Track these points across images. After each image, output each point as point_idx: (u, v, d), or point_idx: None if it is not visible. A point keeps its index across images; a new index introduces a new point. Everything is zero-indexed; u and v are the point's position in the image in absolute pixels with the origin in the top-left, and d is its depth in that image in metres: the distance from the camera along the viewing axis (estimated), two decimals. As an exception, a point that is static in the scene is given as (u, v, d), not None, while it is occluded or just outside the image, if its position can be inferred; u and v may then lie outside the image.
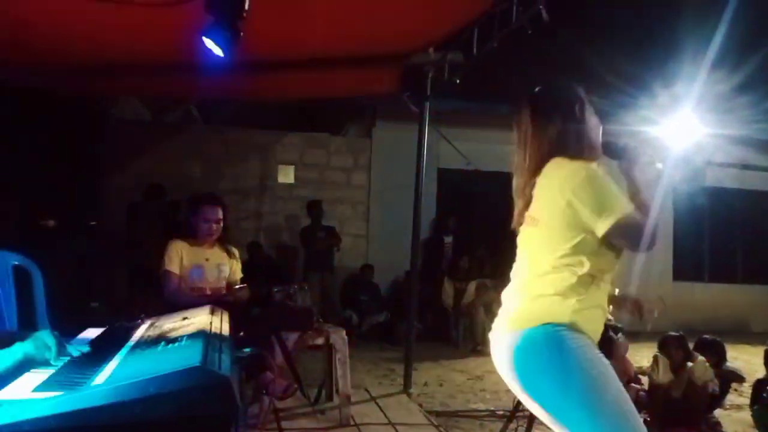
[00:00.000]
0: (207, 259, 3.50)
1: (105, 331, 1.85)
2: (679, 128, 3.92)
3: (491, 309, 7.08)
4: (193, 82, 5.01)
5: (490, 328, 1.86)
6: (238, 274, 3.65)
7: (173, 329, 1.74)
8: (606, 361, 1.71)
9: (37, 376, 1.34)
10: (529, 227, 1.83)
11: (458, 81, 4.26)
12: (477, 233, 8.37)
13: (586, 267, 1.70)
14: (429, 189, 7.12)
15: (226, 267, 3.58)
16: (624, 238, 1.70)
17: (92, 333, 1.86)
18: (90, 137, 6.83)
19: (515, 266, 1.89)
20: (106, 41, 3.82)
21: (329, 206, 7.58)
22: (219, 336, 1.61)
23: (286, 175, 7.99)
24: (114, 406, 1.15)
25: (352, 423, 3.72)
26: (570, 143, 1.78)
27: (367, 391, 4.51)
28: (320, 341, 3.84)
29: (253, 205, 7.82)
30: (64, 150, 6.19)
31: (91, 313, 5.62)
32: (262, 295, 3.75)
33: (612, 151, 1.86)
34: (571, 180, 1.71)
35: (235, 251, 3.70)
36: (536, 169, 1.80)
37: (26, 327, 3.26)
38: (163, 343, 1.54)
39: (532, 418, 3.31)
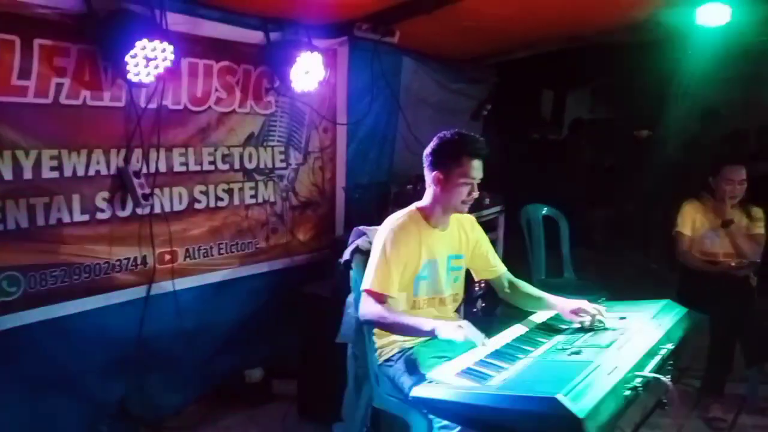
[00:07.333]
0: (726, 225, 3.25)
1: (549, 318, 2.15)
2: None
3: None
4: None
5: None
6: (758, 233, 3.23)
7: (593, 332, 1.91)
8: None
9: (472, 357, 1.77)
10: None
11: None
12: None
13: None
14: None
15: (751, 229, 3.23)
16: None
17: (543, 316, 2.19)
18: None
19: None
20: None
21: None
22: (621, 355, 1.66)
23: None
24: (489, 409, 1.47)
25: None
26: None
27: None
28: None
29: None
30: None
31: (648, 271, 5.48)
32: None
33: None
34: None
35: (759, 212, 3.26)
36: None
37: (554, 273, 3.88)
38: (568, 351, 1.73)
39: None
